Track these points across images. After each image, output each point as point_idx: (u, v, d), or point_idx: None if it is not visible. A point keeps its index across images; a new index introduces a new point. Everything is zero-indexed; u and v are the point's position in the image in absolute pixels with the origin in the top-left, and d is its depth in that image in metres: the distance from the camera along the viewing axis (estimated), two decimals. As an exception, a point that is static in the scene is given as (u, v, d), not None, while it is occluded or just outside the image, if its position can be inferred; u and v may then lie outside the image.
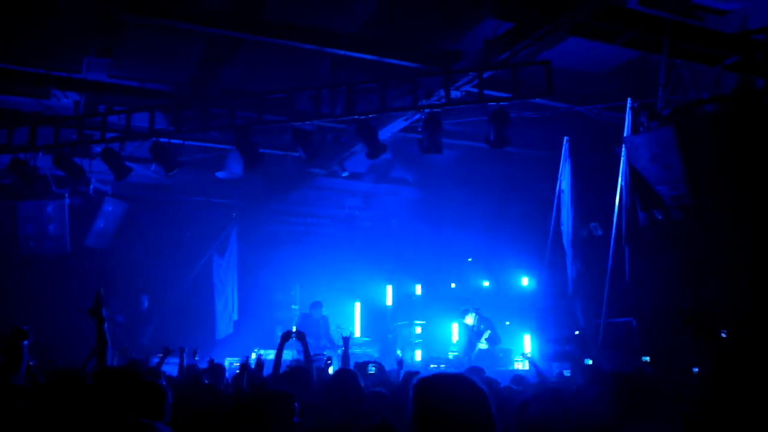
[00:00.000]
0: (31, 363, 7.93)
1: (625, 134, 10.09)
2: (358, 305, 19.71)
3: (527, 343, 14.95)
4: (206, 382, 7.81)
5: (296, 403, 4.66)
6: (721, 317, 9.63)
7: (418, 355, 16.36)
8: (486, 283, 16.42)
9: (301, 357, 8.66)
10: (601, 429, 4.82)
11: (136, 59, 10.47)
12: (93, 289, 14.19)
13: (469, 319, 14.34)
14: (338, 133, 12.37)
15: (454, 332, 16.82)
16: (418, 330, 17.01)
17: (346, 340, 9.45)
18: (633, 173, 10.09)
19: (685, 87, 9.53)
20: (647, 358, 9.42)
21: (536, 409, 4.52)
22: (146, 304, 15.71)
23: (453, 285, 16.95)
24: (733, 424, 4.88)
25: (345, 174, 13.23)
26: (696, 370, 9.12)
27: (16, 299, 13.52)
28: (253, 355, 15.61)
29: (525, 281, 15.43)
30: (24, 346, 6.14)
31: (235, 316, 16.63)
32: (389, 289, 19.22)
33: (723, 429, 4.83)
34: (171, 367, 9.73)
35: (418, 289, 18.51)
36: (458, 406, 2.43)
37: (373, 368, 8.81)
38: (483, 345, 13.94)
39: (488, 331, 14.05)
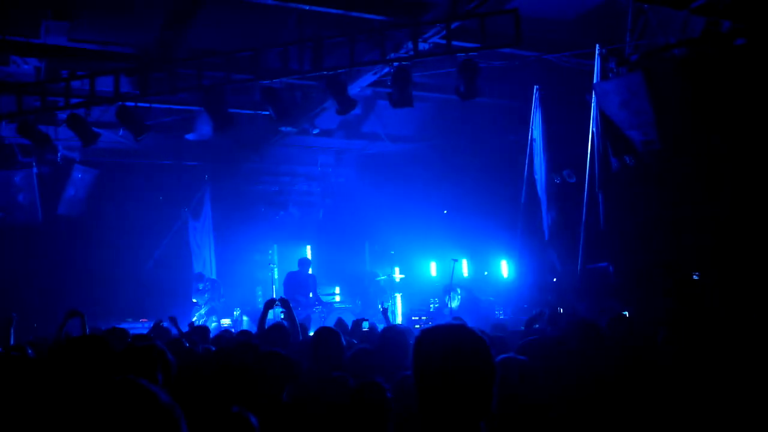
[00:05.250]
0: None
1: (594, 81, 10.10)
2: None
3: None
4: (186, 345, 7.83)
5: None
6: (693, 260, 9.80)
7: (399, 306, 16.52)
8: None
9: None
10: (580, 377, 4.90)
11: (97, 21, 10.22)
12: (67, 257, 14.12)
13: (455, 302, 14.25)
14: (308, 90, 12.26)
15: (433, 270, 17.03)
16: (397, 276, 17.19)
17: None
18: (604, 119, 10.14)
19: (652, 32, 9.52)
20: (626, 313, 9.52)
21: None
22: None
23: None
24: (702, 366, 4.99)
25: (316, 131, 13.16)
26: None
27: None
28: (235, 314, 15.76)
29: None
30: None
31: (214, 277, 16.60)
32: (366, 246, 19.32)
33: (692, 371, 4.94)
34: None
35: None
36: (460, 356, 2.45)
37: (367, 324, 9.17)
38: (454, 303, 14.02)
39: (457, 297, 14.13)
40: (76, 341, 4.48)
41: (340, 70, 10.01)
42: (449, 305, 13.84)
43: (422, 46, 9.69)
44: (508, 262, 15.23)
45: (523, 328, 8.40)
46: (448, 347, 2.50)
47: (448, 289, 14.01)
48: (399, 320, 14.95)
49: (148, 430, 1.71)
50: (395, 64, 9.80)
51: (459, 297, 14.22)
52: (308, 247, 18.46)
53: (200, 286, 15.63)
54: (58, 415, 1.69)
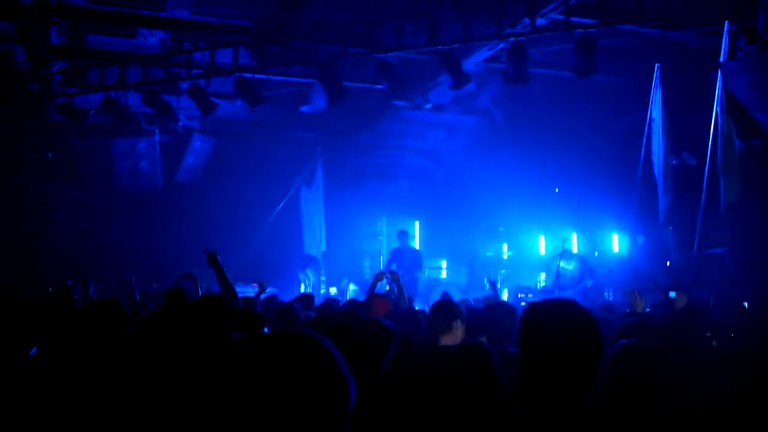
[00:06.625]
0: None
1: (721, 59, 9.63)
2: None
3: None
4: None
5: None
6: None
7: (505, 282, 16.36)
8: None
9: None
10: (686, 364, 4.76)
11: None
12: (184, 223, 14.70)
13: (570, 265, 13.88)
14: (421, 65, 12.23)
15: (541, 247, 16.75)
16: (505, 252, 17.02)
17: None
18: (729, 100, 9.67)
19: (789, 8, 8.97)
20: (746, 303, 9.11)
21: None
22: None
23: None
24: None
25: (428, 106, 13.12)
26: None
27: (115, 234, 14.11)
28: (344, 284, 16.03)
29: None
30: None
31: (323, 247, 16.89)
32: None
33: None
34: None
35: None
36: (566, 330, 2.45)
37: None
38: (571, 266, 13.63)
39: (572, 262, 13.77)
40: (198, 300, 4.68)
41: (454, 45, 9.95)
42: (563, 266, 13.53)
43: (539, 21, 9.50)
44: (620, 237, 14.83)
45: (648, 309, 8.22)
46: (556, 322, 2.49)
47: (562, 255, 13.69)
48: (505, 297, 14.78)
49: (317, 393, 1.62)
50: (511, 39, 9.67)
51: (574, 263, 13.92)
52: (416, 223, 18.31)
53: (306, 270, 15.90)
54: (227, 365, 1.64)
